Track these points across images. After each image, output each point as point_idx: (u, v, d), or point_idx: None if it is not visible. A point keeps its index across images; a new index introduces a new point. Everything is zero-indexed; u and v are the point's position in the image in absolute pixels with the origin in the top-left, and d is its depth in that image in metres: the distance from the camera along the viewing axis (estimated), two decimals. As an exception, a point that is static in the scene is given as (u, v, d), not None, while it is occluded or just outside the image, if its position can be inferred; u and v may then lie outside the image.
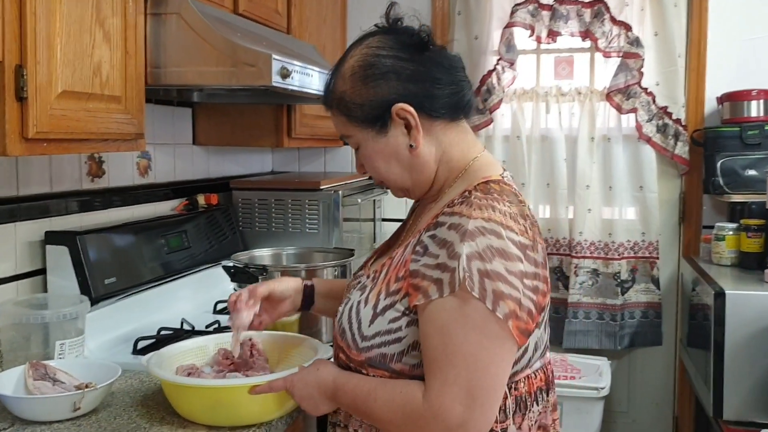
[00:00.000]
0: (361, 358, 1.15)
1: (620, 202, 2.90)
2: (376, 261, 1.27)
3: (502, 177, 1.18)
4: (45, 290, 1.71)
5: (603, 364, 2.72)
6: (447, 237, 1.08)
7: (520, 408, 1.15)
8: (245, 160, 2.87)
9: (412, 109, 1.16)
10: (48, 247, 1.69)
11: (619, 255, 2.90)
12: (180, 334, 1.84)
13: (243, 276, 1.62)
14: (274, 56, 1.66)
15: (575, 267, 2.89)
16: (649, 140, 2.85)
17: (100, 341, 1.73)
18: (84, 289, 1.66)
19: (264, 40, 1.94)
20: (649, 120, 2.85)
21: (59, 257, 1.68)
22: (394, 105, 1.16)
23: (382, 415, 1.12)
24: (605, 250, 2.91)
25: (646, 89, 2.83)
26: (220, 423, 1.30)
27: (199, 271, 2.19)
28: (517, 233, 1.08)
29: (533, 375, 1.17)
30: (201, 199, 2.38)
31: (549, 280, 1.16)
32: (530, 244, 1.10)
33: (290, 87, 1.74)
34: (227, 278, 2.45)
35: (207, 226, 2.27)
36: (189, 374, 1.42)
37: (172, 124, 2.36)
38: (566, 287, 2.92)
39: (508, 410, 1.13)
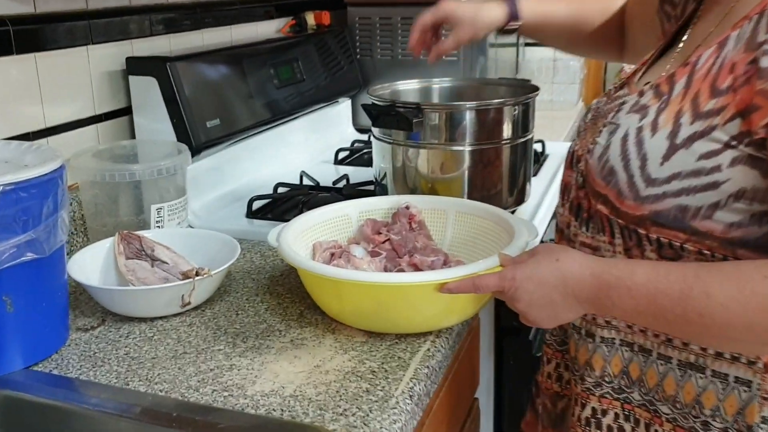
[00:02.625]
0: (642, 212, 0.73)
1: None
2: (647, 73, 0.85)
3: None
4: (132, 136, 1.33)
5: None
6: None
7: None
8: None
9: None
10: (132, 78, 1.28)
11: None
12: (302, 191, 1.45)
13: (389, 119, 1.19)
14: None
15: None
16: None
17: (204, 201, 1.36)
18: (181, 134, 1.27)
19: None
20: None
21: (147, 92, 1.27)
22: None
23: (713, 324, 0.68)
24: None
25: None
26: (381, 329, 0.93)
27: (314, 111, 1.77)
28: None
29: None
30: (310, 18, 1.91)
31: None
32: None
33: None
34: (346, 120, 2.04)
35: (319, 53, 1.81)
36: (332, 255, 1.04)
37: None
38: None
39: None
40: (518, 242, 0.92)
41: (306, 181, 1.53)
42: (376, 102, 1.23)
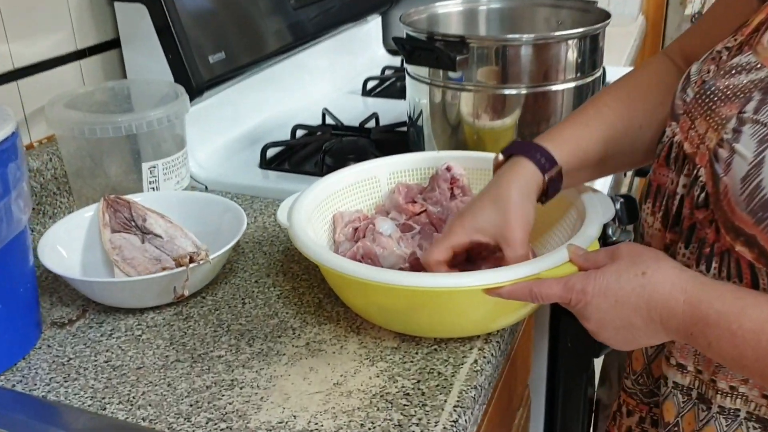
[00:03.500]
0: None
1: None
2: None
3: None
4: (124, 74, 1.13)
5: None
6: None
7: None
8: None
9: None
10: (117, 5, 1.07)
11: None
12: (324, 135, 1.25)
13: (426, 55, 0.97)
14: None
15: None
16: None
17: (211, 149, 1.18)
18: (179, 72, 1.07)
19: None
20: None
21: (136, 21, 1.06)
22: None
23: None
24: None
25: None
26: (417, 332, 0.75)
27: (338, 33, 1.54)
28: None
29: None
30: (334, -76, 1.65)
31: None
32: None
33: None
34: (376, 42, 1.80)
35: (344, -35, 1.57)
36: (355, 231, 0.85)
37: None
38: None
39: None
40: (590, 229, 0.73)
41: (329, 120, 1.33)
42: (411, 33, 1.01)
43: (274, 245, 0.95)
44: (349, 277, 0.69)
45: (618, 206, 1.12)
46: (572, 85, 1.00)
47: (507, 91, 0.98)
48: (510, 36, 0.97)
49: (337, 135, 1.25)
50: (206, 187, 1.12)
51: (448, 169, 0.90)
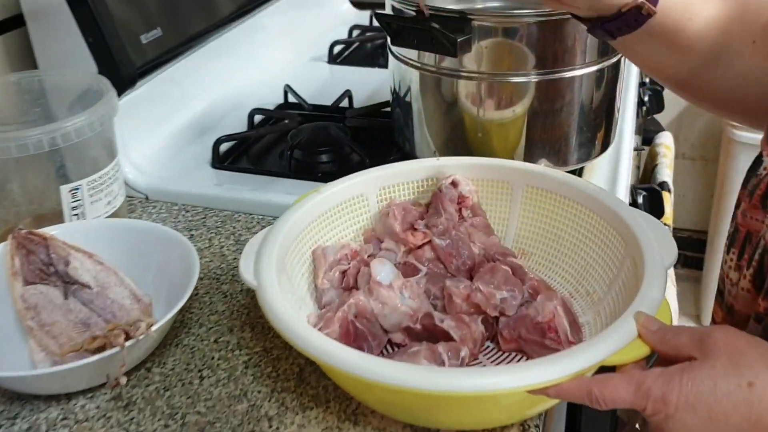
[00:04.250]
0: None
1: None
2: None
3: None
4: (33, 64, 0.90)
5: None
6: None
7: None
8: None
9: None
10: (17, -26, 0.84)
11: None
12: (290, 121, 1.04)
13: (418, 36, 0.77)
14: None
15: None
16: None
17: (147, 149, 0.96)
18: (103, 60, 0.84)
19: None
20: None
21: (45, -6, 0.83)
22: None
23: None
24: None
25: None
26: (431, 424, 0.58)
27: (297, -14, 1.31)
28: None
29: None
30: None
31: None
32: None
33: None
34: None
35: None
36: (344, 275, 0.67)
37: None
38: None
39: None
40: (653, 287, 0.55)
41: (292, 99, 1.12)
42: (397, 6, 0.80)
43: (236, 281, 0.76)
44: (346, 374, 0.51)
45: (641, 200, 0.96)
46: (596, 66, 0.81)
47: (517, 80, 0.79)
48: (522, 11, 0.76)
49: (304, 118, 1.04)
50: (147, 197, 0.91)
51: (454, 184, 0.72)
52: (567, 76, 0.80)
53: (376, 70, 1.24)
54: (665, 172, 1.20)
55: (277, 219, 0.67)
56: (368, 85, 1.17)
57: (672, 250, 0.59)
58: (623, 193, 0.88)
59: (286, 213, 0.67)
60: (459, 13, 0.75)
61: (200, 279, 0.76)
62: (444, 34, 0.74)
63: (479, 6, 0.77)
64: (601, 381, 0.48)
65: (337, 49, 1.32)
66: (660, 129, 1.35)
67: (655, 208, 0.95)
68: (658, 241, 0.60)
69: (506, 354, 0.63)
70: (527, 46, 0.77)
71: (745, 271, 0.55)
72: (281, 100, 1.12)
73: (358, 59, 1.31)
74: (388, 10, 0.83)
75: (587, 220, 0.68)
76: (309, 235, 0.69)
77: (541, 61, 0.78)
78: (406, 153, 0.90)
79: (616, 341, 0.50)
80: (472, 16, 0.75)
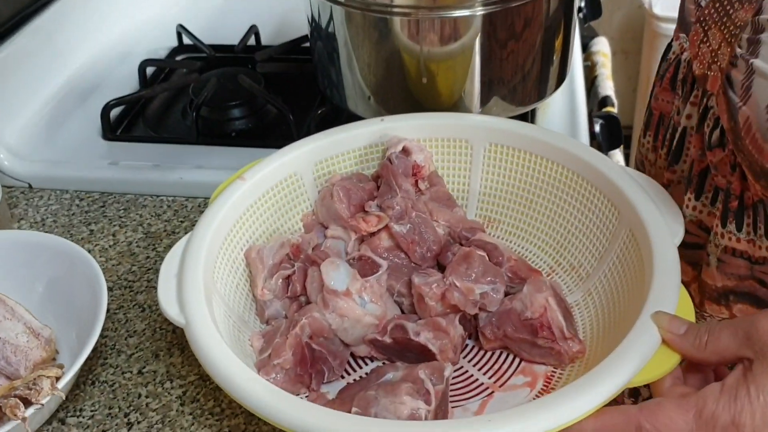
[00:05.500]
0: None
1: None
2: None
3: None
4: None
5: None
6: None
7: None
8: None
9: None
10: None
11: None
12: (190, 75, 0.88)
13: None
14: None
15: None
16: None
17: (22, 126, 0.78)
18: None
19: None
20: None
21: None
22: None
23: None
24: None
25: None
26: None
27: None
28: None
29: None
30: None
31: None
32: None
33: None
34: None
35: None
36: (288, 282, 0.55)
37: None
38: None
39: None
40: (667, 276, 0.46)
41: (187, 41, 0.95)
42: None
43: (153, 288, 0.64)
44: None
45: (598, 128, 0.88)
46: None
47: (459, 14, 0.66)
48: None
49: (205, 65, 0.89)
50: (30, 185, 0.76)
51: (406, 152, 0.60)
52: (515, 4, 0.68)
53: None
54: (607, 85, 1.11)
55: (197, 222, 0.54)
56: (275, 15, 1.01)
57: (679, 220, 0.50)
58: (583, 126, 0.79)
59: (207, 213, 0.55)
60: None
61: (110, 290, 0.63)
62: None
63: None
64: (651, 411, 0.39)
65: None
66: (594, 34, 1.25)
67: (613, 136, 0.87)
68: (661, 212, 0.51)
69: (490, 354, 0.54)
70: (471, -27, 0.64)
71: (660, 151, 0.58)
72: (175, 44, 0.96)
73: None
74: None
75: (565, 182, 0.58)
76: (238, 235, 0.56)
77: (487, -11, 0.65)
78: (335, 104, 0.77)
79: (637, 356, 0.42)
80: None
